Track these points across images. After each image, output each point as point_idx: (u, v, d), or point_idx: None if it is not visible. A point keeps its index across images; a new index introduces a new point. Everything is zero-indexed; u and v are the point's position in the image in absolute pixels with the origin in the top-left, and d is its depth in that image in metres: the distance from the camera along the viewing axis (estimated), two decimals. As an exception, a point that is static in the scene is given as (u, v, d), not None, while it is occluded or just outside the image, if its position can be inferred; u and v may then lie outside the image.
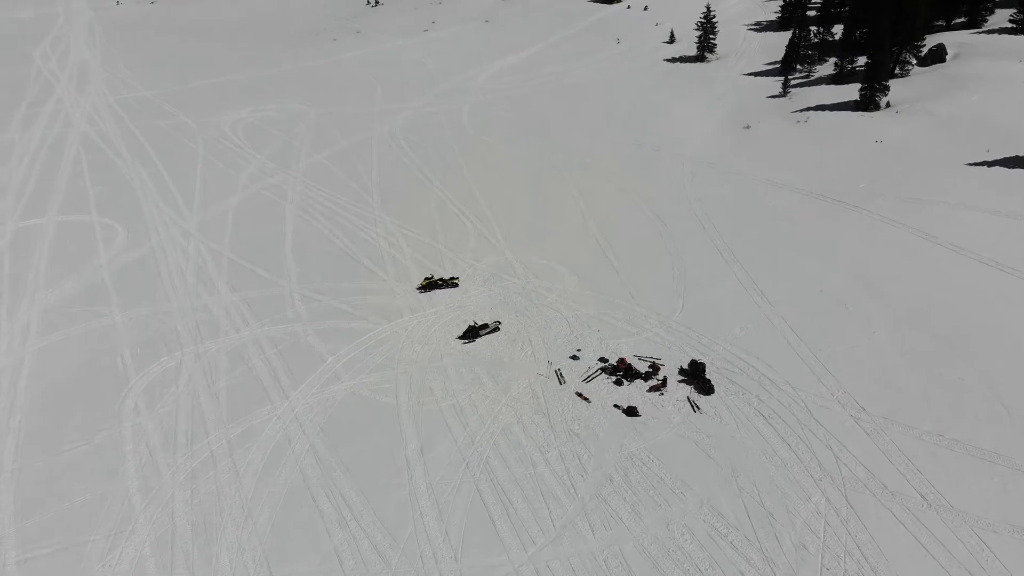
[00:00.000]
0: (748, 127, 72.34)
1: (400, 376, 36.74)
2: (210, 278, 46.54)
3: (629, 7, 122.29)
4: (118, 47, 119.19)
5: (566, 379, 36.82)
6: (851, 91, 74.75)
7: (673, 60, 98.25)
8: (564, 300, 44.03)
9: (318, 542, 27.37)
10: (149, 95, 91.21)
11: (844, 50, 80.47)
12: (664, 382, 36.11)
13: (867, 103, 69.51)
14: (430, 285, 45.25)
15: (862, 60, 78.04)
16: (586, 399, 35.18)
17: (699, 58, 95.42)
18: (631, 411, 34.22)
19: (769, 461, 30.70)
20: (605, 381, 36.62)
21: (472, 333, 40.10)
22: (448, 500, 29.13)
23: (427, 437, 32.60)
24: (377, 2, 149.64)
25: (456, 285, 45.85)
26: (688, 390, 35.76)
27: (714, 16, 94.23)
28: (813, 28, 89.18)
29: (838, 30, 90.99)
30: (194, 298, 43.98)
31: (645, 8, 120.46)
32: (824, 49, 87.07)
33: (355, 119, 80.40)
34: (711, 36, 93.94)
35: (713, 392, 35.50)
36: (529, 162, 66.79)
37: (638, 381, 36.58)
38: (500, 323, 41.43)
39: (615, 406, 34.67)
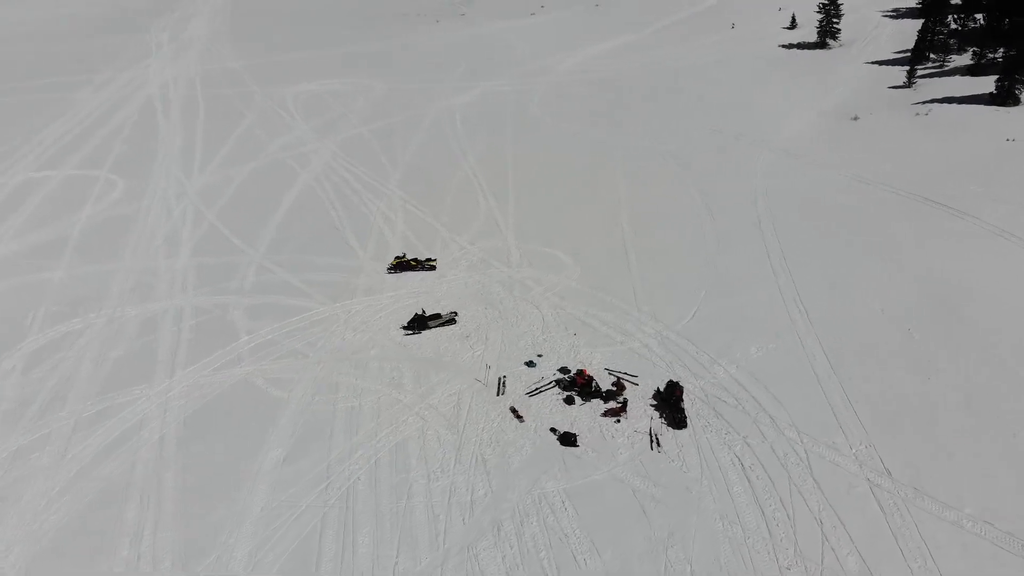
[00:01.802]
0: (856, 118, 60.75)
1: (310, 367, 30.42)
2: (179, 240, 42.32)
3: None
4: (234, 26, 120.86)
5: (507, 389, 29.07)
6: (988, 84, 61.38)
7: (789, 46, 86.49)
8: (551, 294, 36.21)
9: (95, 558, 21.36)
10: (236, 66, 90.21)
11: (986, 39, 66.55)
12: (624, 406, 27.65)
13: (1005, 96, 56.44)
14: (400, 265, 38.73)
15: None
16: (519, 417, 27.40)
17: (819, 44, 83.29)
18: (568, 439, 26.11)
19: (726, 530, 21.84)
20: (555, 397, 28.58)
21: (419, 323, 33.17)
22: (275, 529, 22.38)
23: (299, 444, 26.05)
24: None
25: (432, 268, 39.04)
26: (656, 420, 27.09)
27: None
28: (953, 16, 75.15)
29: (981, 18, 76.29)
30: (148, 260, 39.76)
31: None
32: (964, 38, 72.98)
33: (421, 95, 75.22)
34: (834, 20, 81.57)
35: (685, 426, 26.67)
36: (584, 143, 58.88)
37: (596, 401, 28.27)
38: (457, 315, 34.21)
39: (551, 430, 26.68)
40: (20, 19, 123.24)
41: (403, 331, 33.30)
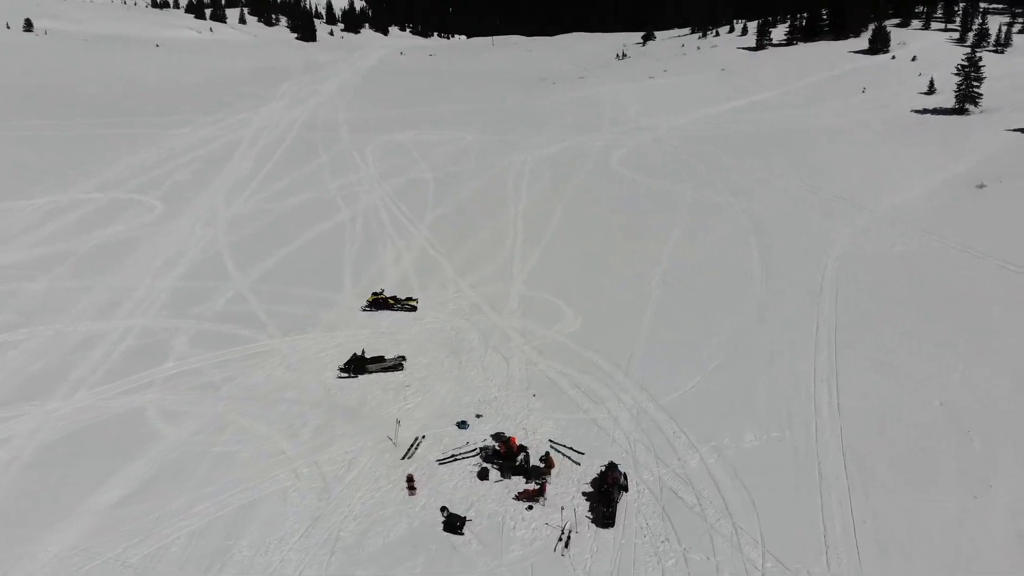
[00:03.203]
0: (982, 186, 51.18)
1: (213, 403, 26.39)
2: (176, 263, 40.33)
3: (894, 57, 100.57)
4: (363, 85, 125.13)
5: (420, 452, 23.62)
6: None
7: (923, 111, 76.61)
8: (530, 348, 30.66)
9: None
10: (339, 116, 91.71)
11: None
12: (542, 489, 21.33)
13: None
14: (377, 303, 34.40)
15: None
16: (412, 488, 21.77)
17: (957, 110, 73.03)
18: (452, 523, 20.23)
19: None
20: (471, 468, 22.76)
21: (356, 366, 28.44)
22: (39, 587, 17.93)
23: (145, 486, 22.11)
24: (624, 55, 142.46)
25: (412, 308, 34.43)
26: (579, 512, 20.67)
27: (980, 60, 71.61)
28: None
29: None
30: (134, 279, 37.85)
31: (913, 59, 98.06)
32: None
33: (505, 146, 72.37)
34: (974, 84, 71.30)
35: (613, 525, 20.06)
36: (654, 195, 53.36)
37: (519, 479, 22.19)
38: (404, 360, 29.22)
39: (442, 509, 20.85)
40: (205, 68, 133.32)
41: (341, 373, 28.56)
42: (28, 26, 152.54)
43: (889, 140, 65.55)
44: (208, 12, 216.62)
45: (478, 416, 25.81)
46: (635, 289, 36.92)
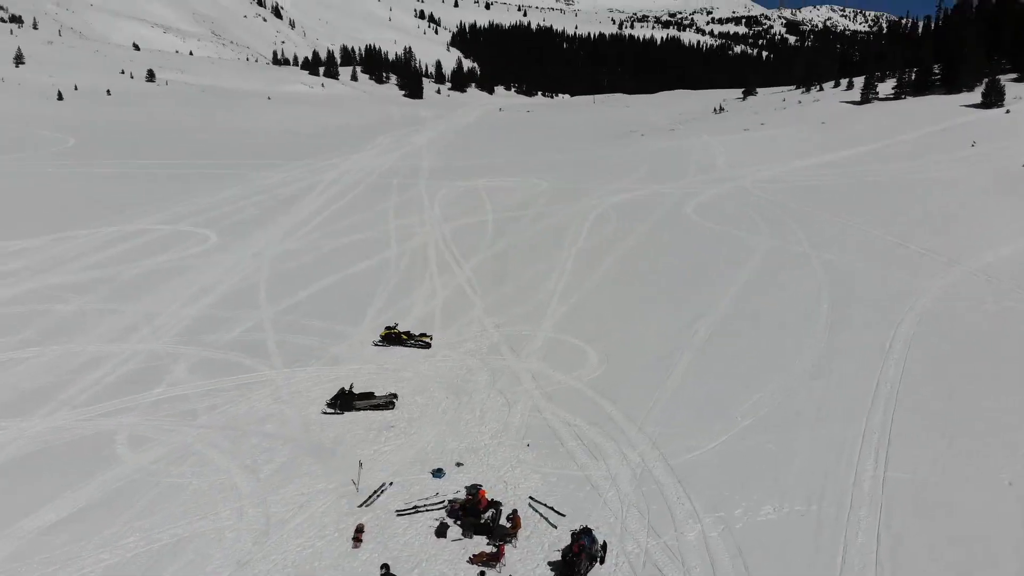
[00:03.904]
0: (1105, 241, 44.65)
1: (185, 431, 24.80)
2: (210, 292, 39.84)
3: (1008, 111, 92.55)
4: (456, 137, 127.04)
5: (382, 500, 21.07)
6: None
7: (1044, 164, 69.25)
8: (539, 393, 27.68)
9: None
10: (423, 164, 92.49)
11: None
12: (498, 553, 18.25)
13: None
14: (389, 338, 32.36)
15: None
16: (358, 541, 19.17)
17: (1086, 161, 65.52)
18: (388, 584, 17.41)
19: None
20: (430, 522, 19.97)
21: (344, 401, 26.30)
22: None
23: (82, 513, 20.38)
24: (722, 109, 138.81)
25: (426, 345, 32.21)
26: (537, 583, 17.50)
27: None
28: None
29: None
30: (163, 306, 37.47)
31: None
32: None
33: (579, 193, 70.44)
34: (1108, 130, 63.90)
35: (572, 603, 16.73)
36: (724, 244, 49.77)
37: (481, 538, 19.23)
38: (396, 398, 26.86)
39: (383, 566, 18.11)
40: (310, 120, 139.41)
41: (328, 408, 26.46)
42: (150, 76, 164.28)
43: (996, 194, 59.13)
44: (322, 69, 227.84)
45: (458, 465, 22.97)
46: (677, 338, 33.34)
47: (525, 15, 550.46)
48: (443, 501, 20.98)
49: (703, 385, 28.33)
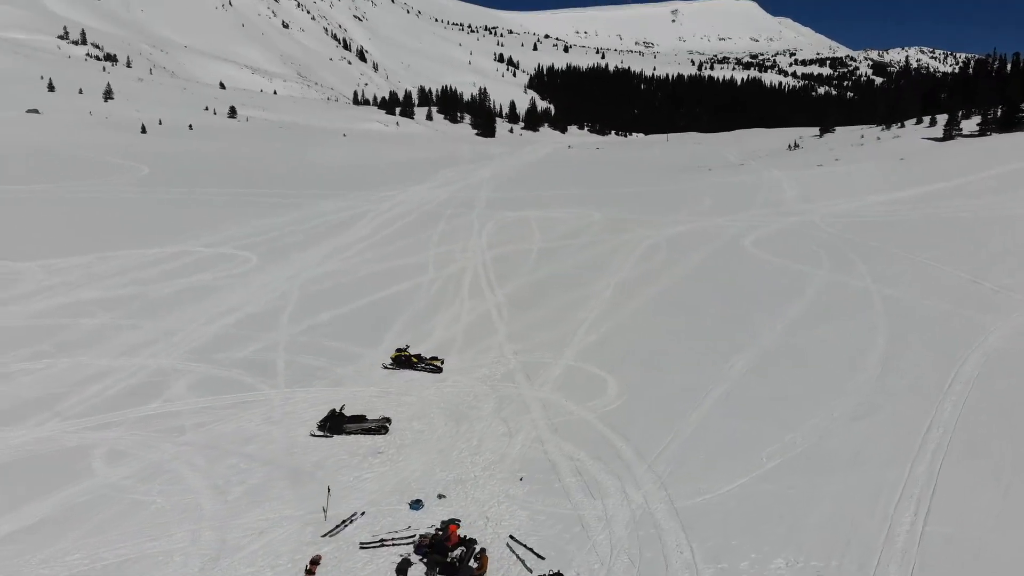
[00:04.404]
0: None
1: (166, 448, 23.71)
2: (233, 311, 39.39)
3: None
4: (521, 171, 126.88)
5: (348, 531, 19.28)
6: None
7: None
8: (546, 423, 25.50)
9: None
10: (480, 195, 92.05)
11: None
12: (457, 596, 16.15)
13: None
14: (399, 360, 30.81)
15: None
16: (311, 574, 17.42)
17: None
18: (326, 624, 15.48)
19: None
20: (394, 557, 18.05)
21: (334, 424, 24.76)
22: None
23: (38, 527, 19.05)
24: (797, 146, 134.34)
25: (438, 369, 30.53)
26: (494, 635, 15.26)
27: None
28: None
29: None
30: (185, 323, 37.01)
31: None
32: None
33: (631, 223, 68.25)
34: None
35: (526, 661, 14.41)
36: (779, 277, 46.83)
37: (445, 579, 17.19)
38: (389, 422, 25.13)
39: (328, 604, 16.24)
40: (379, 155, 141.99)
41: (317, 431, 24.94)
42: (232, 113, 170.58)
43: (1092, 229, 53.93)
44: (398, 109, 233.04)
45: (440, 497, 20.95)
46: (709, 372, 30.61)
47: (603, 57, 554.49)
48: (413, 535, 18.93)
49: (729, 422, 25.56)
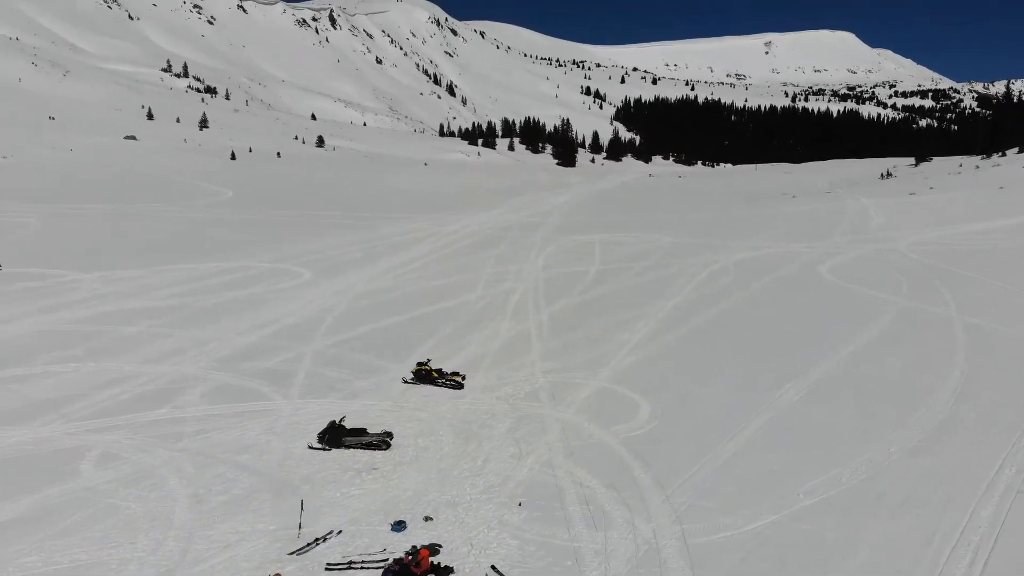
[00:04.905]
0: None
1: (157, 453, 22.87)
2: (273, 322, 38.96)
3: None
4: (603, 197, 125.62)
5: (317, 550, 17.76)
6: None
7: None
8: (561, 446, 23.43)
9: None
10: (550, 220, 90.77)
11: None
12: (409, 629, 14.25)
13: None
14: (420, 375, 29.35)
15: None
16: (264, 594, 15.87)
17: None
18: (262, 652, 13.88)
19: None
20: (360, 581, 16.36)
21: (333, 436, 23.38)
22: None
23: (10, 525, 18.32)
24: (889, 175, 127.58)
25: (458, 385, 28.91)
26: None
27: None
28: None
29: None
30: (223, 333, 36.74)
31: None
32: None
33: (701, 248, 65.44)
34: None
35: None
36: (855, 304, 43.44)
37: (409, 611, 15.36)
38: (391, 437, 23.55)
39: (273, 629, 14.66)
40: (458, 183, 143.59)
41: (316, 443, 23.60)
42: (320, 143, 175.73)
43: None
44: (480, 140, 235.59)
45: (426, 519, 19.09)
46: (756, 398, 27.77)
47: (693, 89, 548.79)
48: (386, 559, 17.09)
49: (768, 454, 22.74)
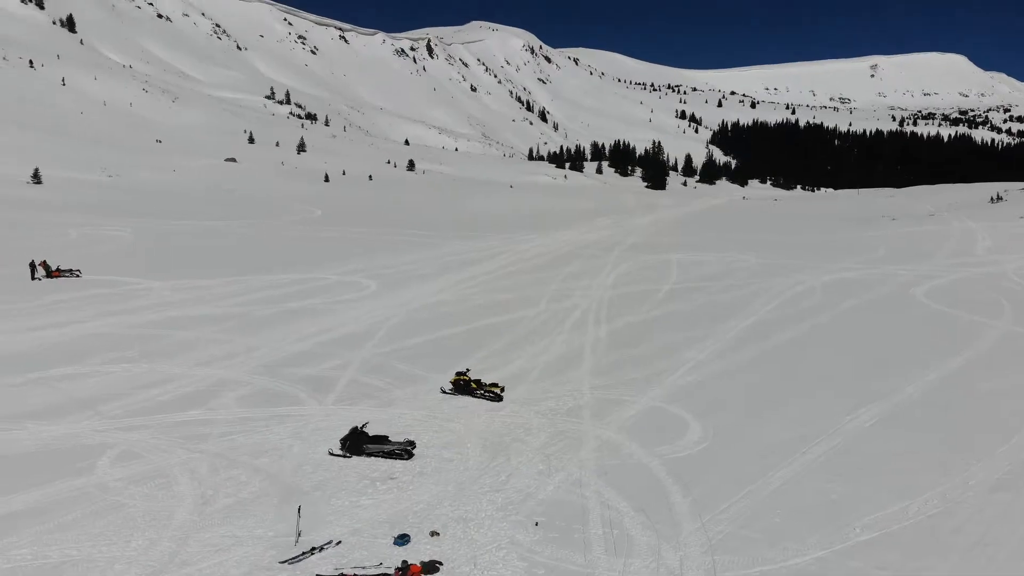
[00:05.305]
0: None
1: (176, 453, 22.41)
2: (329, 331, 38.69)
3: None
4: (690, 219, 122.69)
5: (311, 560, 16.71)
6: None
7: None
8: (596, 463, 21.65)
9: None
10: (628, 240, 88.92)
11: None
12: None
13: None
14: (458, 385, 28.14)
15: None
16: (243, 601, 14.82)
17: None
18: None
19: None
20: (345, 596, 15.12)
21: (353, 443, 22.38)
22: None
23: (8, 520, 18.11)
24: (999, 198, 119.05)
25: (497, 397, 27.50)
26: None
27: None
28: None
29: None
30: (268, 339, 36.65)
31: None
32: None
33: (788, 269, 62.29)
34: None
35: None
36: (943, 328, 40.02)
37: (389, 632, 13.98)
38: (413, 447, 22.33)
39: (240, 642, 13.56)
40: (539, 204, 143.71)
41: (336, 450, 22.63)
42: (410, 166, 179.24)
43: None
44: (567, 163, 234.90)
45: (432, 534, 17.61)
46: (824, 423, 25.12)
47: (793, 113, 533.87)
48: (382, 574, 15.70)
49: (828, 482, 20.20)
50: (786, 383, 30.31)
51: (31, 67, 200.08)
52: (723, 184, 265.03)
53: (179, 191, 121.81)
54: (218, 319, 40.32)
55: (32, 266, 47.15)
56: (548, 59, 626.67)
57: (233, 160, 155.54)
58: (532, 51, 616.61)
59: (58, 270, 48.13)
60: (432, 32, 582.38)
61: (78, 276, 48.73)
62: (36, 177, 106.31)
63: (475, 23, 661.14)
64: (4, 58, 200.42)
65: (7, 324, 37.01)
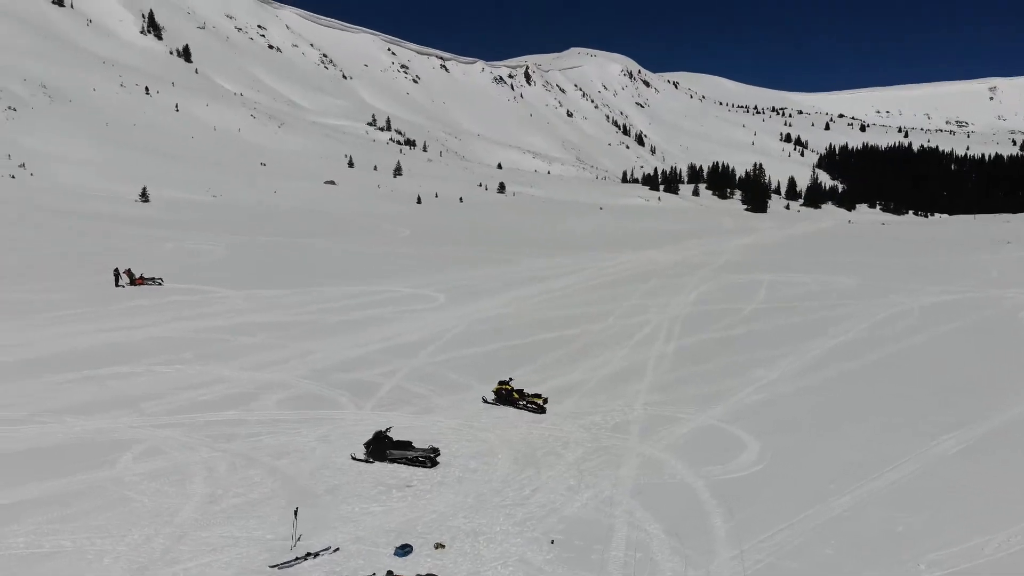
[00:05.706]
0: None
1: (201, 452, 22.01)
2: (389, 339, 38.17)
3: None
4: (788, 242, 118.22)
5: (303, 566, 15.71)
6: None
7: None
8: (631, 482, 19.86)
9: None
10: (714, 260, 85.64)
11: None
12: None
13: None
14: (500, 395, 26.80)
15: None
16: (218, 605, 13.91)
17: None
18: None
19: None
20: (328, 608, 13.96)
21: (376, 448, 21.36)
22: None
23: (14, 508, 18.03)
24: None
25: (540, 409, 25.98)
26: None
27: None
28: None
29: None
30: (327, 345, 36.42)
31: None
32: None
33: (886, 291, 58.22)
34: None
35: None
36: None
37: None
38: (437, 455, 21.07)
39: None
40: (628, 227, 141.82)
41: (359, 454, 21.67)
42: (501, 189, 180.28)
43: None
44: (662, 186, 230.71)
45: (438, 547, 16.19)
46: (900, 449, 22.32)
47: (906, 136, 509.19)
48: (372, 585, 14.39)
49: (895, 511, 17.60)
50: (865, 405, 27.38)
51: (147, 94, 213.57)
52: (829, 208, 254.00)
53: (277, 210, 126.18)
54: (284, 326, 40.39)
55: (116, 273, 48.85)
56: (647, 83, 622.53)
57: (332, 183, 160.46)
58: (630, 75, 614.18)
59: (141, 278, 49.69)
60: (531, 59, 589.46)
61: (160, 284, 50.18)
62: (144, 196, 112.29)
63: (574, 50, 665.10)
64: (122, 85, 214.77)
65: (80, 326, 38.14)
